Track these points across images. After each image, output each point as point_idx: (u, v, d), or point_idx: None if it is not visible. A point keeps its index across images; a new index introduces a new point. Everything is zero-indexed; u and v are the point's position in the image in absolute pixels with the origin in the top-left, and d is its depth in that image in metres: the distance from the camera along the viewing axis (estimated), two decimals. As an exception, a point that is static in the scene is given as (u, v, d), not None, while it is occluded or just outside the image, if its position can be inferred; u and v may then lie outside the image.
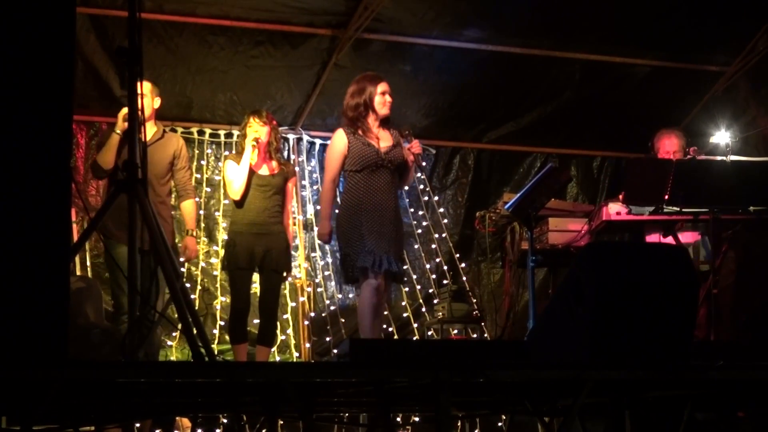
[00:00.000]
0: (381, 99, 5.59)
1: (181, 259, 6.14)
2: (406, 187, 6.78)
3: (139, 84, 3.74)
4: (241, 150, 6.15)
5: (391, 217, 5.52)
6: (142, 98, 3.74)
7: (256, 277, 6.24)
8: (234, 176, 6.06)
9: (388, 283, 5.54)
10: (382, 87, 5.60)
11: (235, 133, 6.94)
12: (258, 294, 6.26)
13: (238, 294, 6.10)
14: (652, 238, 5.99)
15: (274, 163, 6.21)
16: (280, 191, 6.18)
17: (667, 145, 6.37)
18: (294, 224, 7.69)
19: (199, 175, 7.57)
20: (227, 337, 6.37)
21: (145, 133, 3.75)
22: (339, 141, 5.56)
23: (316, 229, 7.66)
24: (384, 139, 5.59)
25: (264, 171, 6.16)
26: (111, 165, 5.60)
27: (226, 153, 7.15)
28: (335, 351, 7.43)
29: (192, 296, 6.88)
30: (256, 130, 6.10)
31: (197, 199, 6.46)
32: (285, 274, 6.24)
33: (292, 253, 6.65)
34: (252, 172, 6.09)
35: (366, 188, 5.47)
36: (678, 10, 7.03)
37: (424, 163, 7.52)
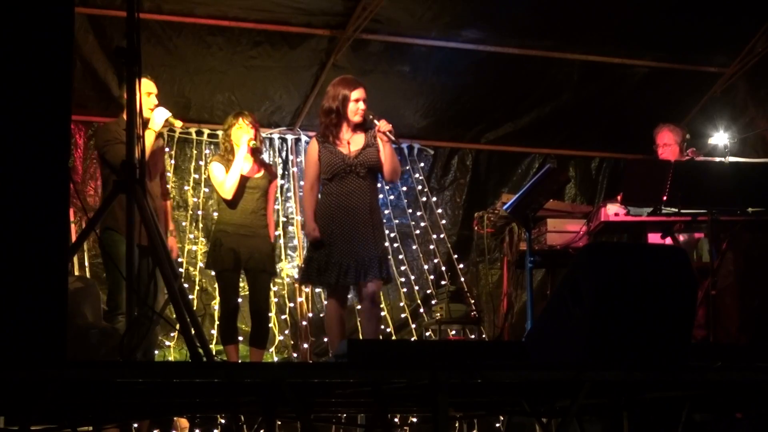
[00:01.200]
0: (354, 106, 5.45)
1: None
2: (399, 183, 6.71)
3: (137, 84, 3.74)
4: (225, 151, 6.14)
5: (366, 218, 5.44)
6: (140, 98, 3.74)
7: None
8: (224, 177, 6.05)
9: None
10: (356, 94, 5.45)
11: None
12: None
13: (227, 295, 6.12)
14: (654, 237, 6.00)
15: (259, 166, 6.23)
16: (264, 194, 6.20)
17: (658, 138, 6.49)
18: (292, 225, 7.70)
19: (197, 176, 7.57)
20: (225, 338, 6.37)
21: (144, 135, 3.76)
22: (311, 151, 5.56)
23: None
24: (355, 143, 5.50)
25: (252, 173, 6.17)
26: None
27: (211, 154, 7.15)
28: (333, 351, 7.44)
29: (190, 297, 6.87)
30: (247, 132, 6.09)
31: (195, 199, 6.45)
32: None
33: (291, 254, 6.64)
34: (242, 175, 6.09)
35: (338, 194, 5.45)
36: (677, 11, 7.02)
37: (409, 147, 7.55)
